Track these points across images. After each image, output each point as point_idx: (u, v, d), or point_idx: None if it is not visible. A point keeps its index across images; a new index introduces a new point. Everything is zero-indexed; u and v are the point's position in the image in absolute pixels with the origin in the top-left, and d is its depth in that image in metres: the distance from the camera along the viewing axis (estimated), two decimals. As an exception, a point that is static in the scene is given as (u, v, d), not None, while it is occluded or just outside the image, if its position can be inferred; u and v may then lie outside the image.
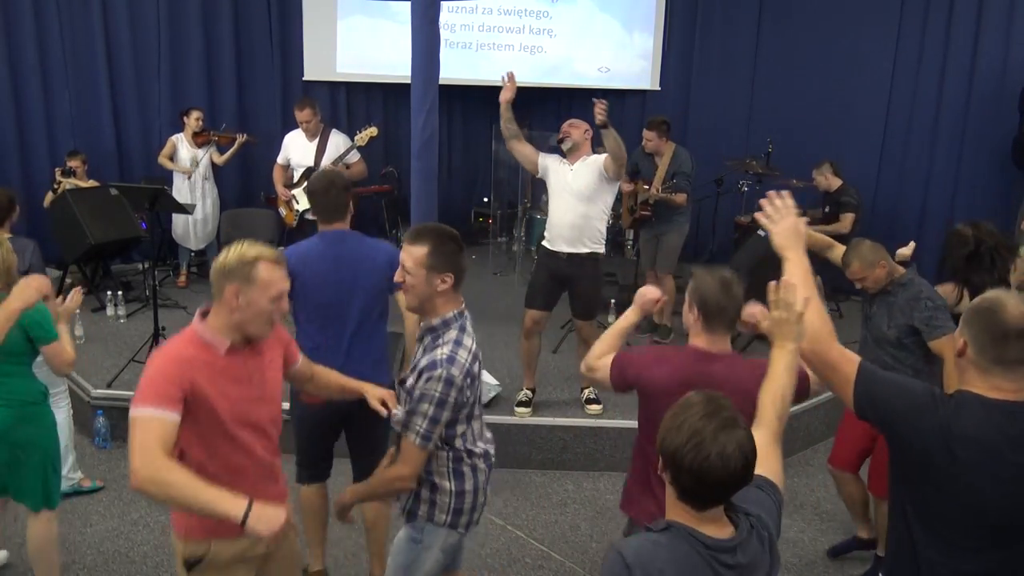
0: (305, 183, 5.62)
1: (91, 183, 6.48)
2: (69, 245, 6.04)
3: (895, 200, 7.27)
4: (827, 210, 6.45)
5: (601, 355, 2.56)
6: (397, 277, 2.33)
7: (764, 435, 1.87)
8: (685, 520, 1.57)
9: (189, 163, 6.64)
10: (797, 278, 2.07)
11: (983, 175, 6.76)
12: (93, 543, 3.69)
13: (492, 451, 2.55)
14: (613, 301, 6.20)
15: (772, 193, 2.24)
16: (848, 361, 1.98)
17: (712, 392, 1.62)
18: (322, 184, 3.08)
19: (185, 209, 6.31)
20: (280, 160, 6.00)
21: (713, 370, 2.36)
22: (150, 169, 7.27)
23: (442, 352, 2.25)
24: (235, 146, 6.75)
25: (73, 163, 6.40)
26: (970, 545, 1.87)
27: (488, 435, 2.57)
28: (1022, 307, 1.81)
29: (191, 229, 6.74)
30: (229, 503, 1.90)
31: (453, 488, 2.40)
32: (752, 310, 2.50)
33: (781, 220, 2.20)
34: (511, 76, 4.35)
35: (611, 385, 2.54)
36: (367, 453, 3.13)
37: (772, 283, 2.02)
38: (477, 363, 2.37)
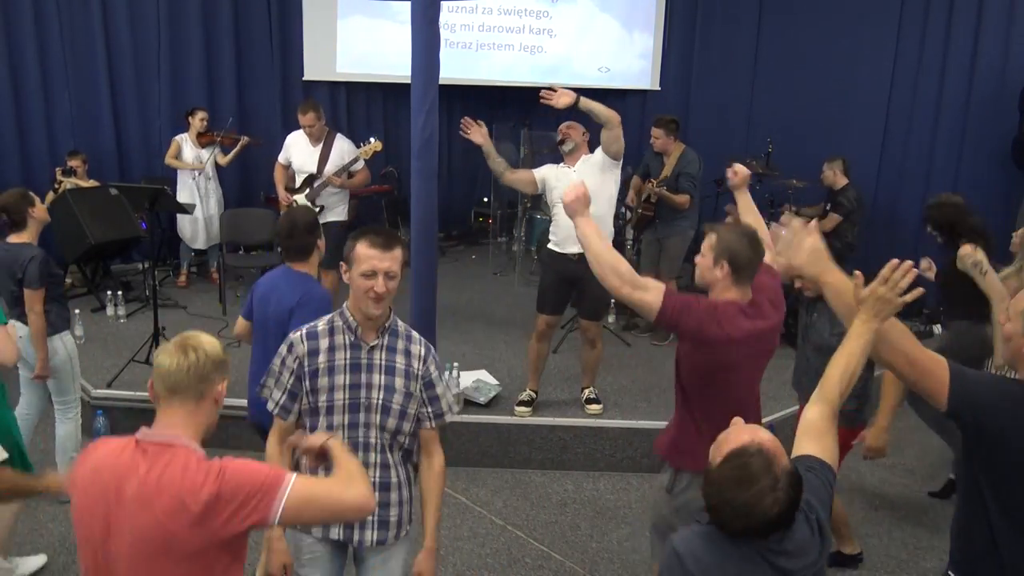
0: (308, 190, 5.48)
1: (91, 183, 6.48)
2: (69, 245, 6.04)
3: (895, 200, 7.27)
4: (828, 207, 6.45)
5: (630, 269, 2.54)
6: (385, 287, 2.23)
7: (823, 411, 1.87)
8: None
9: (196, 162, 6.66)
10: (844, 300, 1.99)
11: (983, 175, 6.76)
12: (93, 543, 3.69)
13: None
14: (613, 301, 6.20)
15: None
16: (938, 362, 1.92)
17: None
18: (285, 226, 3.17)
19: (185, 209, 6.31)
20: (281, 159, 5.75)
21: (752, 329, 2.48)
22: (150, 169, 7.27)
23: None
24: (238, 147, 6.76)
25: (73, 163, 6.41)
26: None
27: None
28: None
29: (198, 228, 6.74)
30: None
31: None
32: (736, 167, 2.95)
33: (799, 245, 2.05)
34: (467, 123, 4.49)
35: (657, 315, 2.46)
36: None
37: (894, 260, 1.93)
38: (331, 354, 2.29)
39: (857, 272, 2.00)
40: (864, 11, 7.13)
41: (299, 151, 5.60)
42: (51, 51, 6.97)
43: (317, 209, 5.28)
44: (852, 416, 3.25)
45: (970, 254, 3.64)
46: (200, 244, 6.80)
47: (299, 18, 7.63)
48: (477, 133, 4.46)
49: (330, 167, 5.46)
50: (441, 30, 3.99)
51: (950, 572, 2.06)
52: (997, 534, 1.90)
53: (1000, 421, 1.86)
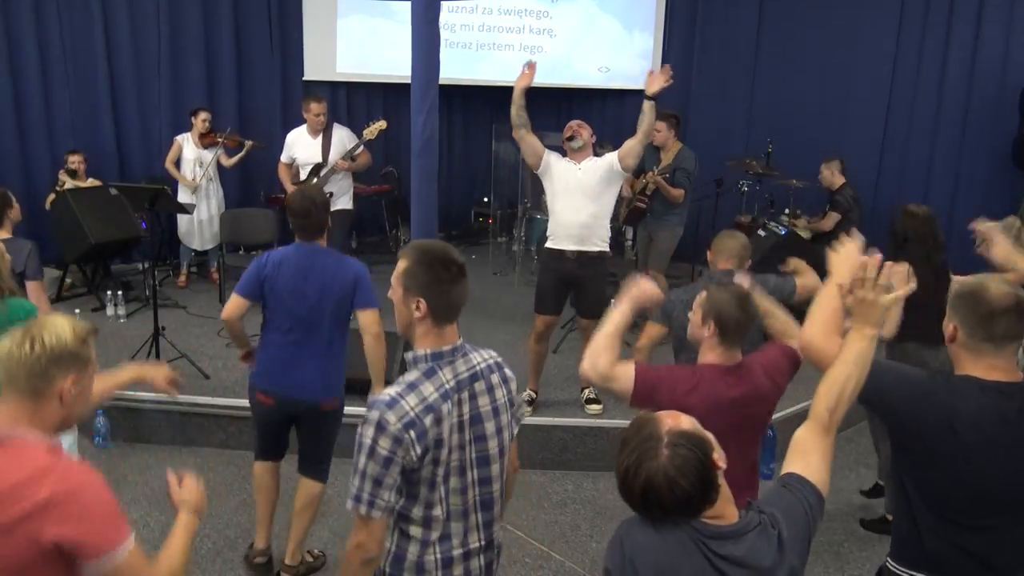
0: (315, 179, 5.73)
1: (91, 183, 6.48)
2: (69, 245, 6.04)
3: (895, 200, 7.25)
4: (827, 208, 6.46)
5: (609, 362, 2.41)
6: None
7: (810, 429, 1.79)
8: None
9: (194, 163, 6.66)
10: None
11: (983, 175, 6.76)
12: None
13: (476, 563, 2.03)
14: (613, 301, 6.20)
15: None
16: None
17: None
18: (303, 206, 3.18)
19: (185, 209, 6.31)
20: (284, 159, 6.01)
21: (734, 395, 2.40)
22: (150, 169, 7.27)
23: (388, 392, 1.88)
24: (244, 151, 6.79)
25: (74, 160, 6.42)
26: (976, 524, 1.97)
27: (477, 542, 2.03)
28: (1002, 287, 1.96)
29: (196, 228, 6.74)
30: None
31: (393, 550, 1.98)
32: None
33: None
34: (532, 66, 4.44)
35: (631, 399, 2.42)
36: (310, 449, 3.39)
37: (861, 259, 1.86)
38: (444, 424, 1.88)
39: (840, 283, 1.95)
40: (864, 11, 7.13)
41: (302, 146, 5.87)
42: (51, 51, 6.96)
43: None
44: None
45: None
46: (196, 245, 6.80)
47: (299, 18, 7.63)
48: (526, 77, 4.47)
49: (333, 155, 5.77)
50: (441, 30, 4.00)
51: (888, 559, 2.16)
52: (918, 519, 2.02)
53: (905, 415, 1.99)
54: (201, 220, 6.72)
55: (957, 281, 2.12)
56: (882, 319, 1.83)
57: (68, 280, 6.44)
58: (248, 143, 6.75)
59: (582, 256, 4.41)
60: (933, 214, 3.83)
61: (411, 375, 1.92)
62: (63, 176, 6.34)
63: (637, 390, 2.40)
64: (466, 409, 1.95)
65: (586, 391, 4.73)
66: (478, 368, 2.00)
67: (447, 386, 1.91)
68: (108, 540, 1.53)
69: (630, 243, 7.40)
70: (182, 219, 6.70)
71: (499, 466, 2.03)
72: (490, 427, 1.99)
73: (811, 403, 1.84)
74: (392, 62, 7.46)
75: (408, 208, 4.30)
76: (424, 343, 1.94)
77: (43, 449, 1.57)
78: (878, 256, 1.83)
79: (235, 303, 3.19)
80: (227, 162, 6.83)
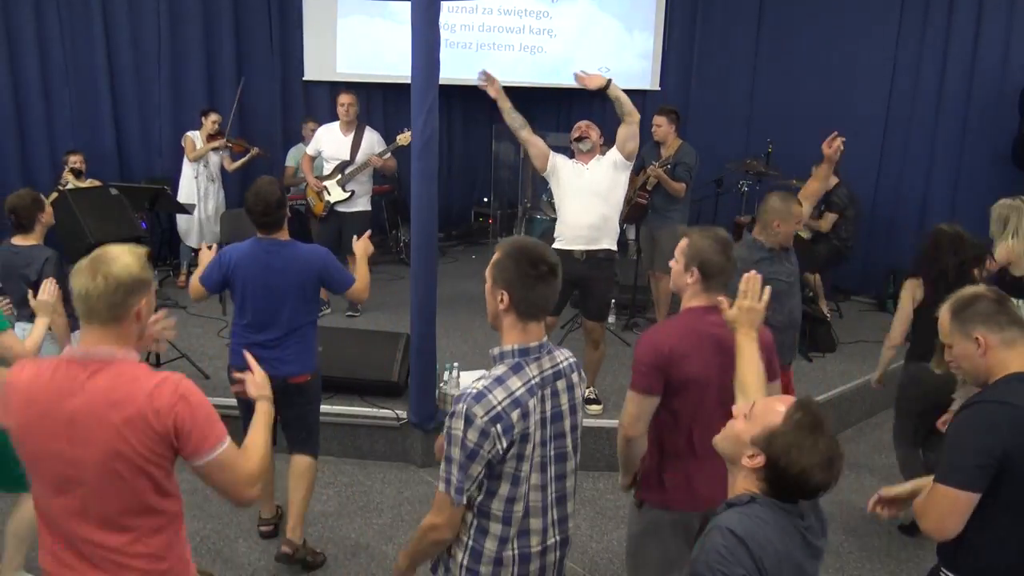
0: (339, 176, 5.92)
1: (91, 183, 6.48)
2: (69, 245, 6.01)
3: (895, 200, 7.27)
4: (822, 208, 6.46)
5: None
6: None
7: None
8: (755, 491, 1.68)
9: (202, 162, 6.72)
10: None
11: (983, 175, 6.75)
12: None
13: (551, 558, 2.06)
14: (613, 301, 6.20)
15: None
16: None
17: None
18: (260, 204, 3.29)
19: (185, 209, 6.31)
20: (310, 150, 6.16)
21: (718, 333, 2.38)
22: (150, 169, 7.29)
23: (476, 385, 1.91)
24: (248, 157, 6.89)
25: (75, 160, 6.42)
26: None
27: (553, 538, 2.05)
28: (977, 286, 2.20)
29: (195, 227, 6.78)
30: None
31: (471, 544, 1.98)
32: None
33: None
34: (485, 74, 4.37)
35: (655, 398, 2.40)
36: (292, 425, 3.55)
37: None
38: (530, 419, 1.91)
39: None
40: (864, 11, 7.13)
41: (331, 141, 6.03)
42: (51, 51, 6.97)
43: (348, 195, 5.90)
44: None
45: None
46: (194, 243, 6.79)
47: (299, 18, 7.64)
48: (492, 87, 4.38)
49: (361, 156, 5.93)
50: (441, 30, 3.99)
51: (942, 568, 2.11)
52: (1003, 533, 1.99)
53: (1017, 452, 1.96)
54: (200, 219, 6.76)
55: (945, 308, 2.15)
56: (759, 322, 2.28)
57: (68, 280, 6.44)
58: (254, 150, 6.85)
59: (591, 257, 4.40)
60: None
61: (498, 369, 1.94)
62: (67, 175, 6.35)
63: (637, 386, 2.39)
64: (548, 406, 1.98)
65: (586, 391, 4.72)
66: (561, 366, 2.03)
67: (533, 381, 1.94)
68: (215, 436, 1.81)
69: (634, 241, 7.40)
70: (181, 217, 6.73)
71: (574, 463, 2.08)
72: (567, 424, 2.04)
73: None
74: (392, 62, 7.47)
75: (408, 208, 4.30)
76: (510, 337, 1.98)
77: (144, 365, 1.83)
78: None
79: (195, 287, 3.44)
80: (230, 165, 6.91)
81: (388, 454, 4.53)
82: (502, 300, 1.95)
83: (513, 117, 4.46)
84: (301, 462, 3.53)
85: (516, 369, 1.94)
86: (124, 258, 1.81)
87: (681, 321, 2.46)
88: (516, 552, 1.97)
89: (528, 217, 7.23)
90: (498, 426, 1.85)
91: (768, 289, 2.29)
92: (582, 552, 3.78)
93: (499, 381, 1.90)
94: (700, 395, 2.38)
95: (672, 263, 2.52)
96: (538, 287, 1.94)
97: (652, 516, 2.51)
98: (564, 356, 2.07)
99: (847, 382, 5.15)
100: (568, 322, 5.61)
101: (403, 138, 5.90)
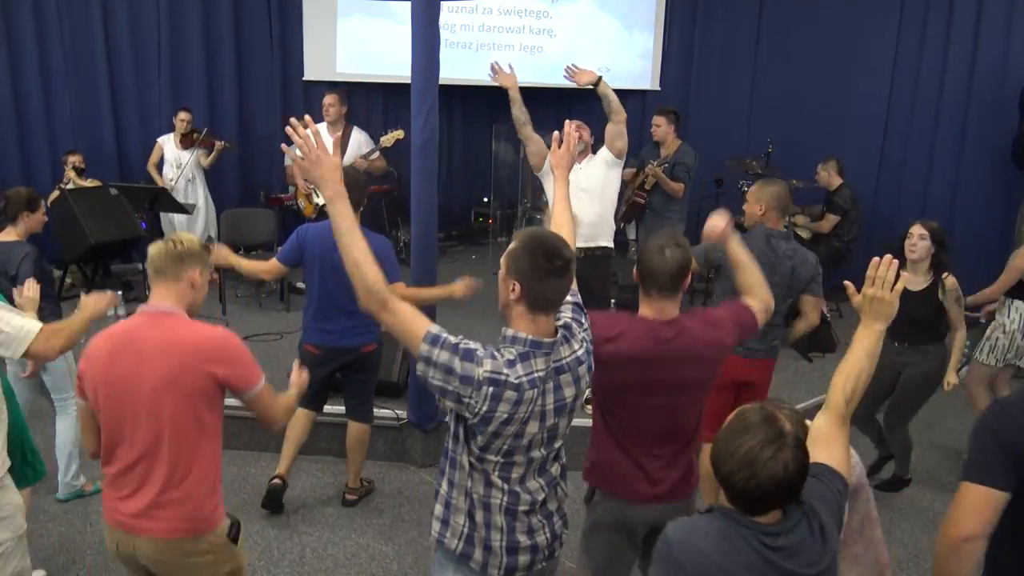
0: None
1: (91, 183, 6.48)
2: (69, 245, 6.03)
3: (895, 200, 7.27)
4: (825, 208, 6.46)
5: None
6: None
7: (830, 419, 1.89)
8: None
9: (174, 164, 6.66)
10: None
11: (983, 175, 6.76)
12: (93, 544, 3.68)
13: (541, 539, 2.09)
14: (613, 301, 6.19)
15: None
16: None
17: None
18: (348, 180, 3.28)
19: (185, 210, 6.30)
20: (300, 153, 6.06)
21: (662, 351, 2.34)
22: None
23: (487, 351, 1.92)
24: (215, 152, 6.74)
25: (75, 160, 6.42)
26: None
27: (549, 528, 2.11)
28: None
29: (176, 228, 6.66)
30: None
31: (467, 509, 2.04)
32: (714, 221, 2.71)
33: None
34: (497, 67, 4.46)
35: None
36: (354, 393, 3.94)
37: (875, 259, 1.97)
38: (522, 409, 1.91)
39: (846, 282, 2.07)
40: (864, 11, 7.13)
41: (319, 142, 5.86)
42: (51, 51, 6.97)
43: None
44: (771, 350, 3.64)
45: (955, 286, 3.87)
46: None
47: (299, 18, 7.63)
48: (506, 78, 4.45)
49: (348, 156, 5.86)
50: (441, 30, 3.99)
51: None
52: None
53: None
54: (181, 220, 6.66)
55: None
56: (891, 314, 1.96)
57: (68, 280, 6.43)
58: (219, 144, 6.72)
59: (589, 255, 4.42)
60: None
61: (509, 352, 1.93)
62: (70, 174, 6.34)
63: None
64: (550, 400, 1.98)
65: (587, 391, 4.71)
66: (565, 361, 2.02)
67: (537, 374, 1.94)
68: (253, 376, 2.32)
69: (633, 240, 7.40)
70: (164, 219, 6.63)
71: (559, 465, 2.16)
72: (563, 422, 2.07)
73: (824, 397, 1.93)
74: (392, 62, 7.46)
75: (408, 208, 4.30)
76: (519, 324, 1.96)
77: (192, 319, 2.32)
78: (890, 257, 1.95)
79: (272, 264, 3.75)
80: (204, 161, 6.80)
81: (388, 454, 4.53)
82: (514, 290, 1.94)
83: (521, 110, 4.50)
84: (359, 429, 3.95)
85: (524, 358, 1.93)
86: (191, 237, 2.39)
87: (624, 326, 2.41)
88: (504, 503, 2.02)
89: (528, 217, 7.23)
90: (488, 388, 1.85)
91: (905, 277, 2.00)
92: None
93: (509, 364, 1.90)
94: (646, 402, 2.42)
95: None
96: (550, 281, 1.92)
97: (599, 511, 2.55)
98: (571, 350, 2.06)
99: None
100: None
101: (387, 139, 5.89)
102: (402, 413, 4.45)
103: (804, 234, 6.34)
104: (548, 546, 2.11)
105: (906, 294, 2.09)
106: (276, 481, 3.87)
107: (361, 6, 7.78)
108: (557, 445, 2.11)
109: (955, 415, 5.31)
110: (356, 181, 3.52)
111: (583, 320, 2.16)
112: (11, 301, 3.59)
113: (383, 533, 3.85)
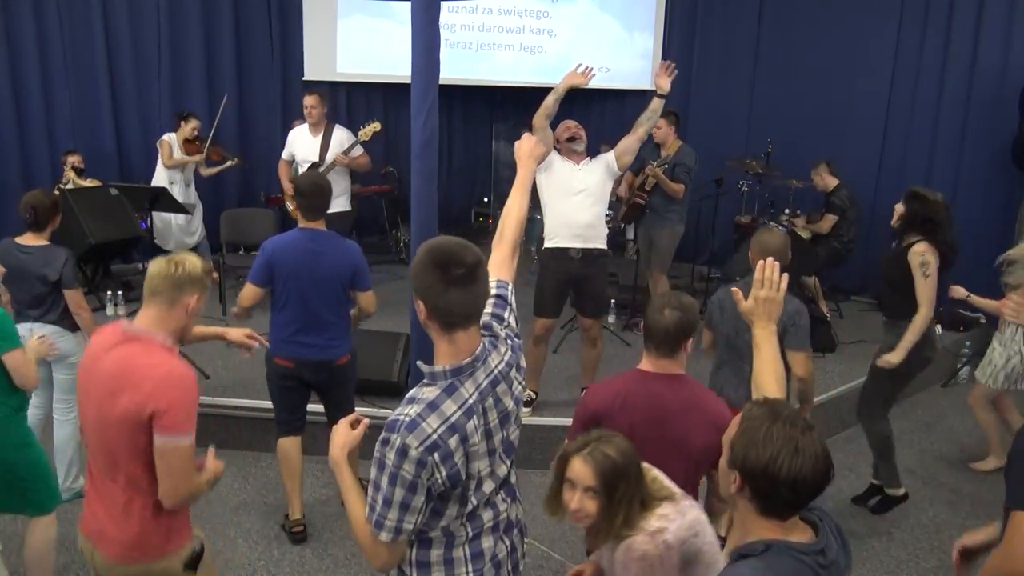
0: None
1: (91, 183, 6.48)
2: (69, 245, 6.00)
3: (895, 200, 7.17)
4: (822, 210, 6.46)
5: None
6: None
7: None
8: (773, 535, 1.52)
9: (178, 168, 6.63)
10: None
11: (983, 175, 6.75)
12: (93, 543, 3.69)
13: (502, 549, 1.95)
14: (613, 301, 6.20)
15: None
16: None
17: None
18: (309, 186, 3.56)
19: (185, 209, 6.30)
20: (285, 156, 6.07)
21: (652, 389, 2.35)
22: (150, 169, 7.25)
23: (408, 412, 1.72)
24: (224, 166, 6.72)
25: (75, 160, 6.41)
26: None
27: (506, 542, 1.97)
28: None
29: (167, 230, 6.60)
30: None
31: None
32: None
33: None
34: (589, 71, 4.24)
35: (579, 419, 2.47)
36: (333, 405, 3.77)
37: (760, 261, 2.05)
38: (471, 441, 1.76)
39: (733, 288, 2.14)
40: (864, 11, 7.13)
41: (301, 143, 5.95)
42: (51, 51, 6.97)
43: None
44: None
45: (923, 252, 3.65)
46: (171, 246, 6.60)
47: (299, 18, 7.64)
48: (580, 79, 4.26)
49: (331, 155, 5.83)
50: (441, 30, 3.99)
51: None
52: None
53: None
54: (179, 223, 6.61)
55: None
56: (777, 314, 2.05)
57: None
58: (231, 160, 6.71)
59: (587, 255, 4.42)
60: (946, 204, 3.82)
61: (430, 392, 1.75)
62: (69, 174, 6.34)
63: (576, 428, 2.38)
64: (493, 416, 1.84)
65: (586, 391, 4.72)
66: (496, 371, 1.86)
67: (470, 401, 1.77)
68: (183, 426, 2.10)
69: (632, 241, 7.40)
70: (158, 220, 6.53)
71: (509, 462, 1.98)
72: (512, 431, 1.94)
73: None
74: (392, 62, 7.48)
75: (408, 208, 4.29)
76: (440, 352, 1.79)
77: (164, 347, 2.17)
78: (771, 260, 2.05)
79: (251, 292, 3.57)
80: (205, 171, 6.77)
81: (388, 454, 4.52)
82: (421, 310, 1.76)
83: (556, 104, 4.32)
84: None
85: (450, 391, 1.75)
86: (194, 261, 2.23)
87: (619, 384, 2.43)
88: (468, 553, 1.87)
89: (528, 217, 7.22)
90: (436, 455, 1.68)
91: (786, 277, 2.05)
92: (582, 552, 3.76)
93: (432, 407, 1.72)
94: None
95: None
96: (451, 293, 1.70)
97: None
98: (500, 356, 1.88)
99: (847, 382, 5.15)
100: (568, 322, 5.62)
101: (364, 132, 5.87)
102: (402, 413, 4.44)
103: (804, 234, 6.35)
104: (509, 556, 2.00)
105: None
106: (298, 529, 3.75)
107: (361, 6, 7.79)
108: (510, 460, 1.98)
109: (955, 415, 5.31)
110: (320, 188, 3.58)
111: (503, 314, 1.99)
112: (42, 305, 3.64)
113: (383, 533, 3.85)
